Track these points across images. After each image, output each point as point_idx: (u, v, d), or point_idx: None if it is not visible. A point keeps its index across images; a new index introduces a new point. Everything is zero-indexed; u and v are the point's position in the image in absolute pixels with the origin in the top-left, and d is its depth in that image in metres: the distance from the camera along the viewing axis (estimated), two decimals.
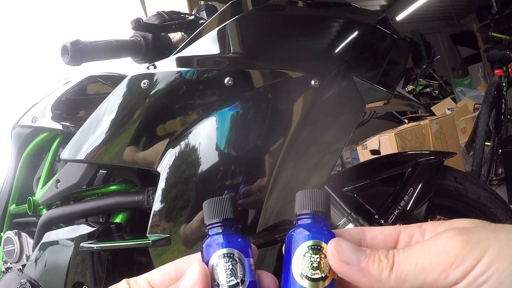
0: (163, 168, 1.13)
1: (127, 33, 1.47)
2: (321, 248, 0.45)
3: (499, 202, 1.63)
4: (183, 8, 3.39)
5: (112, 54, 1.37)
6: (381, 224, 1.41)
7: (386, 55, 1.24)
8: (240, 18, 1.18)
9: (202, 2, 1.69)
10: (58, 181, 1.37)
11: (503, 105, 4.20)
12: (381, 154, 3.55)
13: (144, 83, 1.13)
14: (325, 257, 0.45)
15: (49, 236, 1.33)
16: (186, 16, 1.53)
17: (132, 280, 0.48)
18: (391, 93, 1.21)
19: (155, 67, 1.16)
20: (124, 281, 0.48)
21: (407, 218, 1.47)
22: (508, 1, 8.84)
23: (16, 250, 1.56)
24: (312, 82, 1.13)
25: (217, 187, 1.11)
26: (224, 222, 0.48)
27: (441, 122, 3.90)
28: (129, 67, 1.57)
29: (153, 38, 1.44)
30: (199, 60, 1.17)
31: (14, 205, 1.68)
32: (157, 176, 1.15)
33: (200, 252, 0.48)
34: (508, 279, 0.39)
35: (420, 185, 1.51)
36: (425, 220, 1.53)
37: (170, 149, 1.13)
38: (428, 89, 8.83)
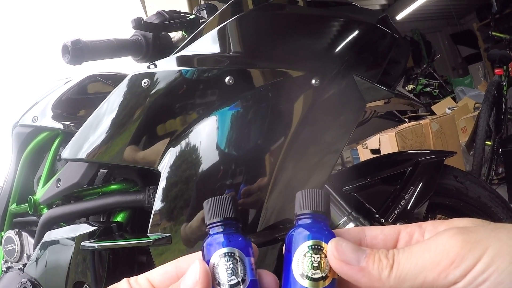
0: (164, 167, 1.13)
1: (127, 33, 1.48)
2: (321, 248, 0.45)
3: (499, 201, 1.63)
4: (183, 7, 3.39)
5: (112, 53, 1.37)
6: (381, 223, 1.41)
7: (387, 54, 1.24)
8: (241, 18, 1.18)
9: (203, 1, 1.69)
10: (58, 180, 1.37)
11: (503, 104, 4.20)
12: (382, 153, 3.55)
13: (145, 82, 1.13)
14: (326, 256, 0.45)
15: (49, 236, 1.33)
16: (187, 15, 1.53)
17: (132, 279, 0.48)
18: (392, 92, 1.21)
19: (155, 66, 1.16)
20: (124, 280, 0.48)
21: (407, 217, 1.47)
22: (508, 0, 8.84)
23: (16, 249, 1.56)
24: (313, 81, 1.13)
25: (217, 187, 1.11)
26: (225, 222, 0.48)
27: (442, 121, 3.90)
28: (129, 66, 1.57)
29: (154, 37, 1.44)
30: (199, 59, 1.17)
31: (15, 204, 1.68)
32: (157, 175, 1.15)
33: (200, 251, 0.48)
34: (508, 279, 0.39)
35: (421, 184, 1.51)
36: (425, 219, 1.53)
37: (171, 148, 1.13)
38: (428, 89, 8.83)
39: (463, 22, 11.28)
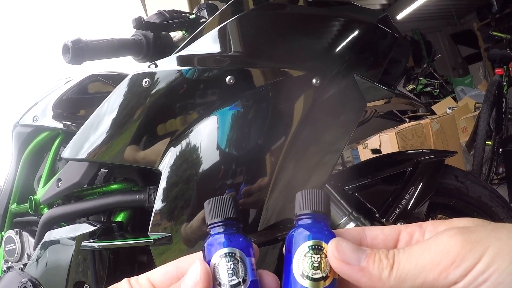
0: (165, 167, 1.13)
1: (128, 32, 1.48)
2: (322, 248, 0.45)
3: (500, 201, 1.63)
4: (184, 7, 3.39)
5: (113, 53, 1.37)
6: (382, 223, 1.41)
7: (387, 54, 1.24)
8: (241, 17, 1.19)
9: (203, 1, 1.69)
10: (59, 180, 1.37)
11: (503, 104, 4.20)
12: (382, 153, 3.55)
13: (145, 82, 1.13)
14: (326, 257, 0.45)
15: (50, 235, 1.33)
16: (187, 15, 1.53)
17: (133, 279, 0.48)
18: (392, 92, 1.21)
19: (156, 66, 1.16)
20: (125, 280, 0.48)
21: (408, 217, 1.47)
22: (509, 0, 8.83)
23: (17, 249, 1.57)
24: (314, 80, 1.13)
25: (218, 186, 1.11)
26: (226, 222, 0.48)
27: (442, 121, 3.89)
28: (130, 66, 1.57)
29: (154, 37, 1.44)
30: (200, 59, 1.17)
31: (15, 204, 1.68)
32: (158, 175, 1.15)
33: (201, 251, 0.48)
34: (508, 279, 0.39)
35: (421, 184, 1.51)
36: (426, 219, 1.53)
37: (172, 148, 1.13)
38: (428, 88, 8.82)
39: (463, 22, 11.27)
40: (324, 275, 0.44)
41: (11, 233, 1.59)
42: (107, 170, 1.43)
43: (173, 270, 0.48)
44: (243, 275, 0.44)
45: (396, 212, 1.47)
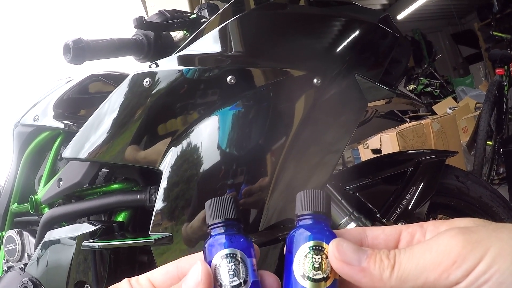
0: (165, 167, 1.13)
1: (128, 32, 1.48)
2: (323, 249, 0.45)
3: (501, 201, 1.63)
4: (184, 6, 3.39)
5: (114, 52, 1.37)
6: (383, 223, 1.41)
7: (388, 53, 1.24)
8: (242, 17, 1.19)
9: (204, 1, 1.69)
10: (60, 179, 1.37)
11: (504, 104, 4.20)
12: (383, 153, 3.55)
13: (146, 82, 1.13)
14: (327, 257, 0.45)
15: (51, 235, 1.33)
16: (188, 14, 1.53)
17: (133, 279, 0.48)
18: (393, 92, 1.21)
19: (157, 65, 1.16)
20: (125, 280, 0.48)
21: (409, 217, 1.47)
22: (509, 0, 8.82)
23: (17, 249, 1.57)
24: (314, 80, 1.13)
25: (219, 186, 1.11)
26: (227, 222, 0.47)
27: (443, 121, 3.89)
28: (131, 66, 1.57)
29: (155, 37, 1.44)
30: (201, 59, 1.17)
31: (16, 204, 1.68)
32: (159, 174, 1.15)
33: (202, 252, 0.48)
34: (509, 279, 0.39)
35: (422, 184, 1.51)
36: (427, 219, 1.53)
37: (173, 148, 1.13)
38: (429, 88, 8.81)
39: (464, 22, 11.27)
40: (325, 275, 0.44)
41: (12, 232, 1.60)
42: (107, 170, 1.43)
43: (174, 270, 0.48)
44: (244, 276, 0.44)
45: (397, 212, 1.47)
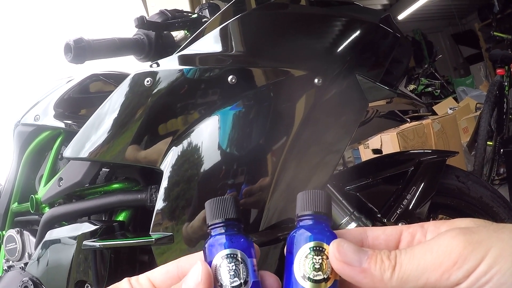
0: (166, 166, 1.13)
1: (129, 32, 1.48)
2: (323, 249, 0.45)
3: (501, 201, 1.63)
4: (185, 6, 3.39)
5: (115, 52, 1.37)
6: (383, 223, 1.41)
7: (389, 53, 1.24)
8: (243, 17, 1.19)
9: (204, 1, 1.69)
10: (60, 179, 1.37)
11: (505, 104, 4.20)
12: (383, 153, 3.55)
13: (147, 81, 1.13)
14: (327, 258, 0.44)
15: (51, 234, 1.33)
16: (189, 14, 1.53)
17: (133, 279, 0.48)
18: (394, 92, 1.21)
19: (158, 65, 1.16)
20: (125, 280, 0.48)
21: (409, 217, 1.47)
22: (510, 1, 8.82)
23: (18, 248, 1.57)
24: (315, 80, 1.13)
25: (219, 186, 1.11)
26: (227, 222, 0.47)
27: (443, 121, 3.89)
28: (131, 65, 1.57)
29: (156, 36, 1.44)
30: (202, 58, 1.17)
31: (17, 203, 1.68)
32: (159, 174, 1.15)
33: (202, 252, 0.48)
34: (510, 280, 0.39)
35: (423, 184, 1.51)
36: (427, 219, 1.53)
37: (173, 148, 1.13)
38: (429, 89, 8.80)
39: (464, 22, 11.26)
40: (325, 276, 0.44)
41: (12, 232, 1.60)
42: (108, 170, 1.43)
43: (174, 270, 0.48)
44: (244, 276, 0.44)
45: (398, 212, 1.47)
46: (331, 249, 0.44)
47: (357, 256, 0.43)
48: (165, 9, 1.48)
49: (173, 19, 1.45)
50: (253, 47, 1.20)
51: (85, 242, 1.21)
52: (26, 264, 1.48)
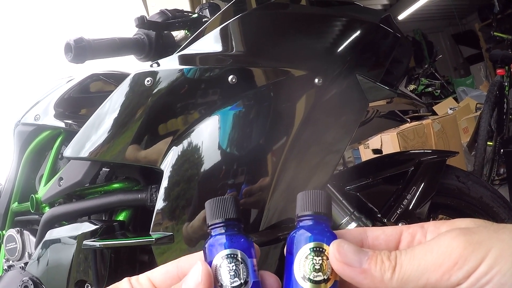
0: (167, 166, 1.13)
1: (130, 31, 1.48)
2: (323, 250, 0.45)
3: (501, 202, 1.63)
4: (185, 6, 3.39)
5: (115, 52, 1.37)
6: (383, 223, 1.41)
7: (389, 53, 1.24)
8: (243, 17, 1.19)
9: (205, 0, 1.69)
10: (60, 179, 1.37)
11: (505, 104, 4.20)
12: (383, 153, 3.55)
13: (147, 81, 1.13)
14: (327, 259, 0.44)
15: (51, 234, 1.33)
16: (190, 14, 1.53)
17: (133, 278, 0.48)
18: (394, 92, 1.21)
19: (158, 65, 1.16)
20: (125, 279, 0.48)
21: (409, 217, 1.47)
22: (510, 1, 8.81)
23: (18, 248, 1.56)
24: (316, 80, 1.13)
25: (219, 186, 1.11)
26: (227, 222, 0.47)
27: (443, 121, 3.89)
28: (132, 65, 1.57)
29: (156, 36, 1.44)
30: (202, 58, 1.17)
31: (17, 203, 1.68)
32: (160, 174, 1.15)
33: (202, 251, 0.47)
34: (511, 280, 0.39)
35: (423, 184, 1.51)
36: (427, 219, 1.53)
37: (174, 147, 1.13)
38: (430, 89, 8.80)
39: (465, 23, 11.26)
40: (325, 277, 0.44)
41: (12, 232, 1.60)
42: (108, 169, 1.43)
43: (174, 269, 0.48)
44: (245, 276, 0.44)
45: (398, 212, 1.47)
46: (331, 249, 0.44)
47: (357, 256, 0.43)
48: (166, 9, 1.48)
49: (173, 19, 1.45)
50: (254, 47, 1.20)
51: (85, 242, 1.21)
52: (26, 263, 1.48)
